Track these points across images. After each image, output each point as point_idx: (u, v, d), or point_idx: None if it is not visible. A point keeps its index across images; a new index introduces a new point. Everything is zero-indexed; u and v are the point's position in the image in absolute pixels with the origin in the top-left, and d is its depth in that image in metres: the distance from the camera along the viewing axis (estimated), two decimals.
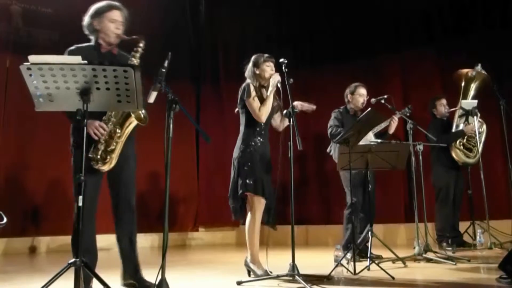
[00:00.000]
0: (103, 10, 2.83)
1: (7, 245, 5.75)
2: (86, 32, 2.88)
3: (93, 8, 2.86)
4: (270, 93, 3.45)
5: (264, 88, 3.56)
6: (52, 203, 6.27)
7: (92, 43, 2.89)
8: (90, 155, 2.67)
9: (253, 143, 3.44)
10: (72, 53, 2.74)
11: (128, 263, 2.89)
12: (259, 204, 3.40)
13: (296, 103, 3.44)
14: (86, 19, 2.86)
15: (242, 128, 3.53)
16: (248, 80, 3.56)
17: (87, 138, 2.35)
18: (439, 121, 5.55)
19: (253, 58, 3.60)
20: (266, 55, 3.57)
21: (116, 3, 2.89)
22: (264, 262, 3.37)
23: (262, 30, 8.05)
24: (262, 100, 3.46)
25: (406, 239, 6.27)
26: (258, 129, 3.48)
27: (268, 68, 3.52)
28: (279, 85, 3.37)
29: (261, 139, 3.48)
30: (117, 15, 2.84)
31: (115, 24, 2.82)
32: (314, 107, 3.61)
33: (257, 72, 3.53)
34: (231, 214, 3.52)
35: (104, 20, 2.82)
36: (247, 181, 3.35)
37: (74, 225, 2.62)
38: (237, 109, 3.60)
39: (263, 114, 3.43)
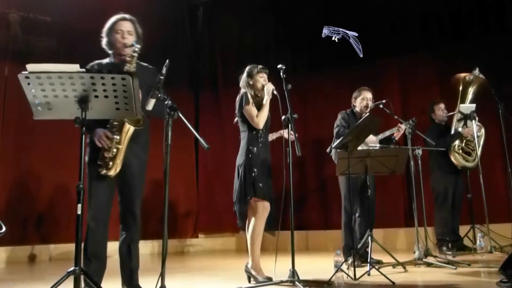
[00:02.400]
0: (111, 24, 2.93)
1: (8, 254, 5.73)
2: (106, 49, 2.96)
3: (105, 25, 2.95)
4: (266, 101, 3.53)
5: (258, 97, 3.62)
6: (52, 211, 6.26)
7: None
8: (99, 162, 2.74)
9: (256, 149, 3.50)
10: (91, 67, 2.81)
11: (124, 269, 2.89)
12: (264, 209, 3.43)
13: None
14: (103, 38, 2.95)
15: (243, 135, 3.59)
16: (244, 90, 3.63)
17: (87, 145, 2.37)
18: (438, 126, 5.55)
19: (247, 68, 3.69)
20: (260, 66, 3.66)
21: (123, 15, 2.96)
22: (270, 269, 3.37)
23: (261, 35, 8.06)
24: (258, 108, 3.54)
25: (406, 244, 6.25)
26: (259, 135, 3.55)
27: (261, 79, 3.61)
28: (275, 92, 3.47)
29: (262, 145, 3.55)
30: (122, 25, 2.91)
31: (120, 34, 2.89)
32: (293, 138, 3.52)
33: (251, 82, 3.63)
34: (235, 220, 3.53)
35: (113, 33, 2.91)
36: (256, 186, 3.38)
37: (86, 232, 2.72)
38: (236, 120, 3.65)
39: (261, 120, 3.50)
